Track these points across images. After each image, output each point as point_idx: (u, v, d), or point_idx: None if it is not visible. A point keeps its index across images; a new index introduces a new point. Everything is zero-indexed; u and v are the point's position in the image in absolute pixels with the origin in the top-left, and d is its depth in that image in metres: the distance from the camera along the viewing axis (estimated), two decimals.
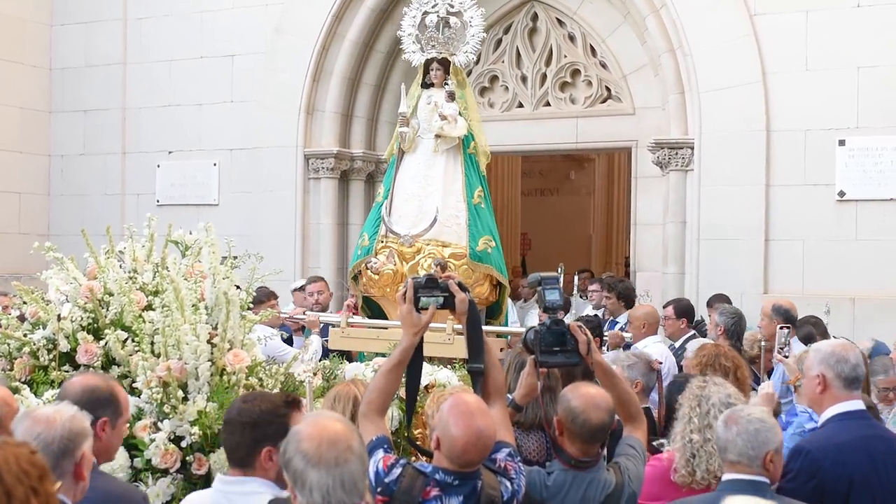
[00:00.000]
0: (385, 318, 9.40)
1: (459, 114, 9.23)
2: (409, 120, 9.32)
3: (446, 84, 9.30)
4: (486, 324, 9.27)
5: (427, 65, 9.41)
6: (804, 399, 5.40)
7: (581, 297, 12.43)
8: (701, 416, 4.82)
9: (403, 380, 4.59)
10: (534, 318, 11.02)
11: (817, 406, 5.04)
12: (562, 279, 12.58)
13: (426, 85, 9.49)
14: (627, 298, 10.65)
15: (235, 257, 6.34)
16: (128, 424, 4.69)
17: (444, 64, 9.34)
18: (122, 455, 5.07)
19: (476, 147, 9.38)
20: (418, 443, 5.61)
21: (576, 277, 13.05)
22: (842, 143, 10.90)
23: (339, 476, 3.16)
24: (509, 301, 10.03)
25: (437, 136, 9.25)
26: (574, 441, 4.53)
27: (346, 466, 3.18)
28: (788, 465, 4.70)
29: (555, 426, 4.62)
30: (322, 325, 9.56)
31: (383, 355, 6.98)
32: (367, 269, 9.08)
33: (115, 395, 4.31)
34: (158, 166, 14.38)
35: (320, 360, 7.73)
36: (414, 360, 4.51)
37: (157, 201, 14.14)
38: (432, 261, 8.86)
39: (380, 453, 4.10)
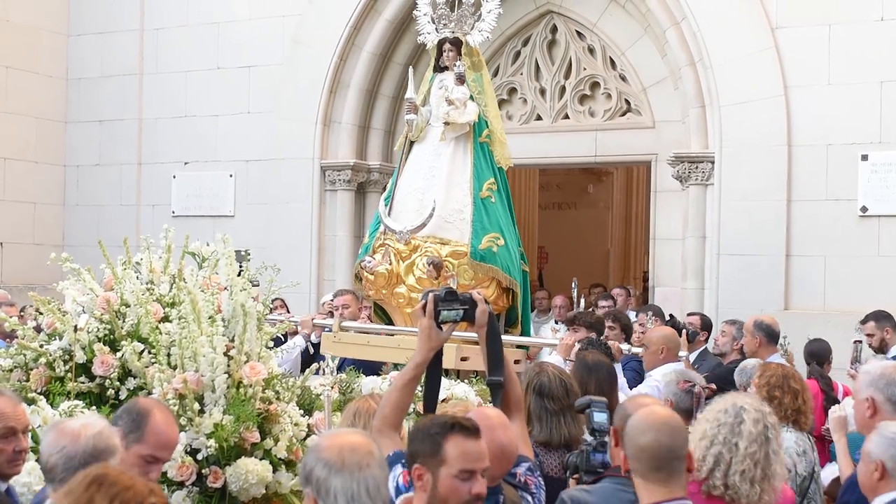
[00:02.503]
0: (392, 322, 9.08)
1: (471, 98, 8.73)
2: (417, 106, 8.89)
3: (456, 65, 8.79)
4: (505, 332, 8.75)
5: (440, 46, 8.93)
6: (856, 423, 5.21)
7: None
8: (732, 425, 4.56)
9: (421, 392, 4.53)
10: (547, 332, 10.85)
11: (868, 431, 4.81)
12: (576, 293, 12.45)
13: (440, 69, 9.00)
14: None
15: (248, 253, 6.29)
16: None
17: (458, 44, 8.85)
18: None
19: (491, 135, 8.87)
20: None
21: (574, 291, 12.78)
22: (864, 157, 10.80)
23: (364, 481, 3.17)
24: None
25: (445, 123, 8.74)
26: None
27: (369, 471, 3.19)
28: (843, 496, 4.56)
29: (611, 435, 4.49)
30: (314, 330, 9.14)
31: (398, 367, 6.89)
32: (363, 268, 8.70)
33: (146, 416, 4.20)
34: (174, 177, 14.34)
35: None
36: (433, 373, 4.44)
37: (173, 212, 14.10)
38: (426, 259, 8.45)
39: (398, 468, 4.05)
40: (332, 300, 10.42)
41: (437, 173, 8.76)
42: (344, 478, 3.16)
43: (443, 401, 6.79)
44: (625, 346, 8.46)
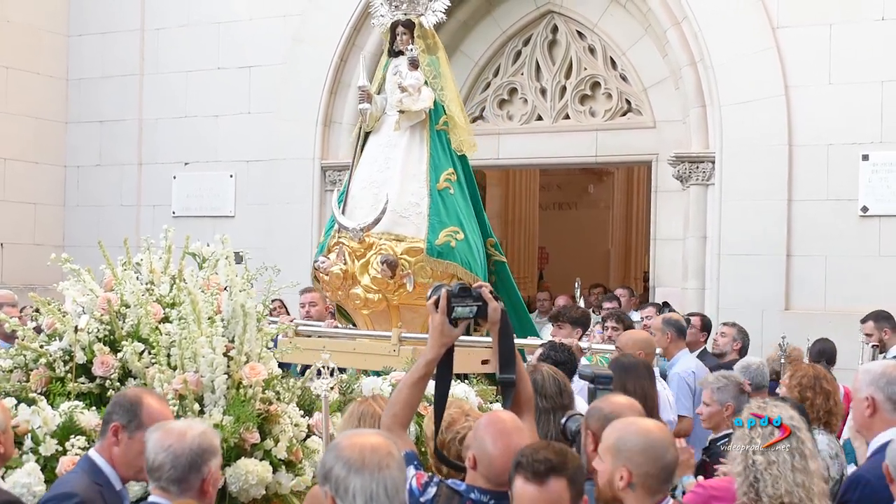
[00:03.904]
0: (354, 323, 8.77)
1: (426, 83, 8.37)
2: (371, 94, 8.53)
3: (409, 49, 8.41)
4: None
5: (393, 29, 8.56)
6: (854, 423, 5.16)
7: (593, 312, 12.23)
8: (765, 436, 4.42)
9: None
10: (547, 334, 10.78)
11: (867, 431, 4.79)
12: (578, 293, 12.41)
13: (395, 53, 8.62)
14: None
15: (244, 255, 6.26)
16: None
17: (411, 27, 8.49)
18: None
19: (449, 121, 8.48)
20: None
21: (577, 292, 12.73)
22: (865, 157, 10.79)
23: (383, 481, 3.20)
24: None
25: (400, 111, 8.37)
26: None
27: (389, 472, 3.22)
28: (846, 495, 4.52)
29: (589, 439, 4.47)
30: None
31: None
32: (317, 269, 8.39)
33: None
34: (174, 177, 14.33)
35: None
36: (444, 371, 4.40)
37: (173, 213, 14.09)
38: (380, 258, 8.08)
39: (412, 470, 4.01)
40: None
41: (392, 165, 8.40)
42: (364, 477, 3.19)
43: None
44: (584, 344, 8.13)
